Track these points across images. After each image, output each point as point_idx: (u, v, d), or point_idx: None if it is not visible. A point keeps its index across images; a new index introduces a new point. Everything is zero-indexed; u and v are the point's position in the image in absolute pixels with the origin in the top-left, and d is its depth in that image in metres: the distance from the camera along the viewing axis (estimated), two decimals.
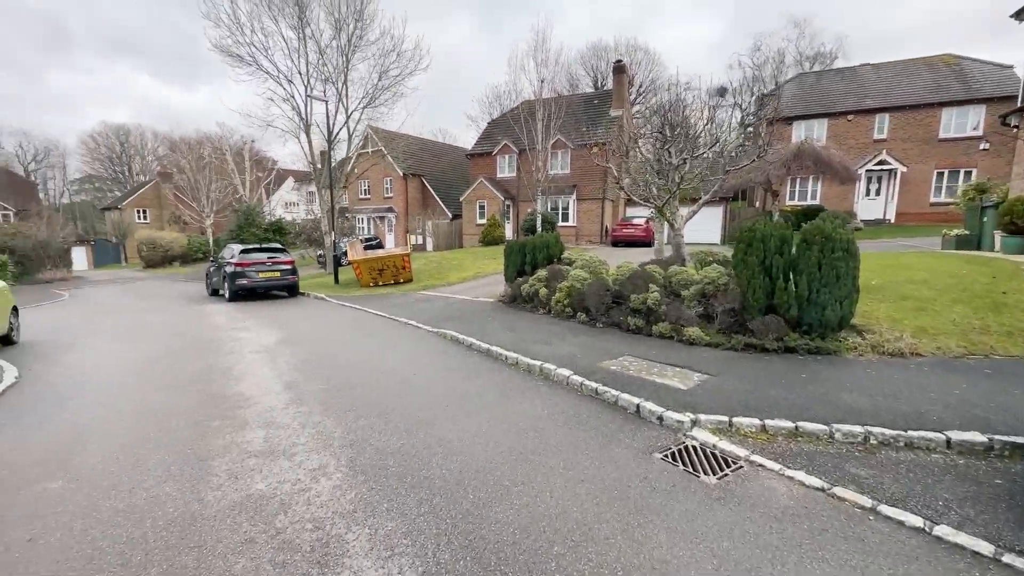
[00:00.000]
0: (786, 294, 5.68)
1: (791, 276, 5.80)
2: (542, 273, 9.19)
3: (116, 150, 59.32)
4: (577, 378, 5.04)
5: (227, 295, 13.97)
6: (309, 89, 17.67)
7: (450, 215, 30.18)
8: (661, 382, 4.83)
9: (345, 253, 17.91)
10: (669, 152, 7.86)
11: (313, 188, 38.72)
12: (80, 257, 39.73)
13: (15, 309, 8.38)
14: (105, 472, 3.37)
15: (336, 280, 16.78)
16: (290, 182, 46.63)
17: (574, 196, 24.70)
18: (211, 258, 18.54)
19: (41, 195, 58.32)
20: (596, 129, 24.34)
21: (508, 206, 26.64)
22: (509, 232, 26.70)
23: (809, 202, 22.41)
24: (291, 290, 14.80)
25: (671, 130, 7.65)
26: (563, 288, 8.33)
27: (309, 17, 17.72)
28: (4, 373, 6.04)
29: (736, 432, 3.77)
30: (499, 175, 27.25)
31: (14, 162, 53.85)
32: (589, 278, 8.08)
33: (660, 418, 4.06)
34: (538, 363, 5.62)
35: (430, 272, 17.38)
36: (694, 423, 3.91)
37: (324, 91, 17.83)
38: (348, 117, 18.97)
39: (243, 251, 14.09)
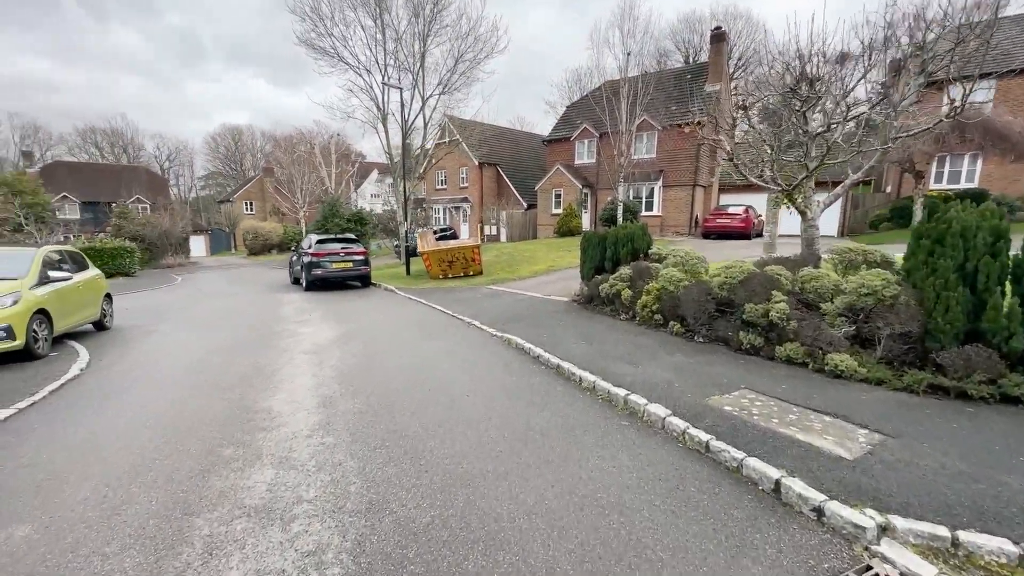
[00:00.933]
0: (1003, 316, 3.83)
1: (1011, 289, 3.92)
2: (625, 271, 7.78)
3: (231, 148, 66.21)
4: (677, 422, 3.70)
5: (304, 284, 14.21)
6: (386, 77, 17.51)
7: (525, 205, 29.20)
8: (806, 441, 3.34)
9: (416, 245, 17.73)
10: (804, 117, 5.99)
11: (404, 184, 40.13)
12: (199, 245, 44.88)
13: (108, 296, 8.75)
14: (77, 520, 2.75)
15: (407, 271, 16.56)
16: (375, 175, 48.60)
17: (659, 182, 22.43)
18: (293, 248, 19.30)
19: (173, 190, 67.13)
20: (688, 107, 21.77)
21: (586, 194, 25.01)
22: (586, 222, 25.10)
23: (964, 185, 18.12)
24: (363, 281, 14.73)
25: (810, 86, 5.76)
26: (651, 290, 6.89)
27: (388, 3, 17.48)
28: (73, 365, 6.04)
29: (970, 562, 2.25)
30: (577, 162, 25.65)
31: (152, 161, 62.26)
32: (685, 279, 6.56)
33: (818, 511, 2.63)
34: (622, 393, 4.35)
35: (501, 264, 16.52)
36: (883, 530, 2.44)
37: (399, 79, 17.55)
38: (424, 104, 18.62)
39: (319, 241, 14.20)
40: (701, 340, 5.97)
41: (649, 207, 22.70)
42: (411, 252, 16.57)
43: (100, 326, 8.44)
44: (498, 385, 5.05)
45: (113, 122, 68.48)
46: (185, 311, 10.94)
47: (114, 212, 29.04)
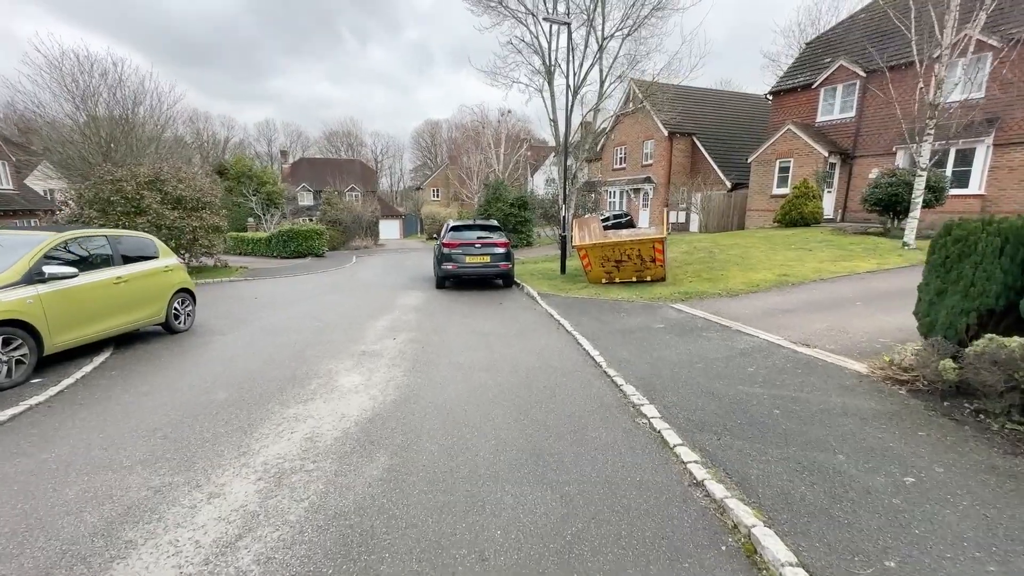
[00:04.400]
0: None
1: None
2: None
3: (428, 142, 72.75)
4: None
5: (434, 281, 11.68)
6: (551, 11, 13.64)
7: (729, 184, 22.28)
8: None
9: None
10: None
11: (571, 161, 36.47)
12: (394, 229, 49.68)
13: (188, 293, 7.18)
14: None
15: (563, 269, 12.72)
16: (551, 159, 46.11)
17: (989, 139, 13.40)
18: (435, 236, 17.32)
19: (385, 181, 77.57)
20: None
21: (832, 165, 17.09)
22: (829, 206, 17.25)
23: None
24: (505, 280, 11.48)
25: None
26: None
27: None
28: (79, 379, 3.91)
29: None
30: (821, 118, 17.75)
31: (369, 155, 72.56)
32: None
33: None
34: None
35: (695, 267, 11.28)
36: None
37: (568, 10, 13.48)
38: (601, 48, 14.21)
39: (453, 228, 11.42)
40: None
41: (962, 181, 13.87)
42: (564, 242, 12.71)
43: (169, 328, 6.82)
44: None
45: (346, 125, 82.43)
46: (294, 305, 9.25)
47: (323, 199, 32.78)
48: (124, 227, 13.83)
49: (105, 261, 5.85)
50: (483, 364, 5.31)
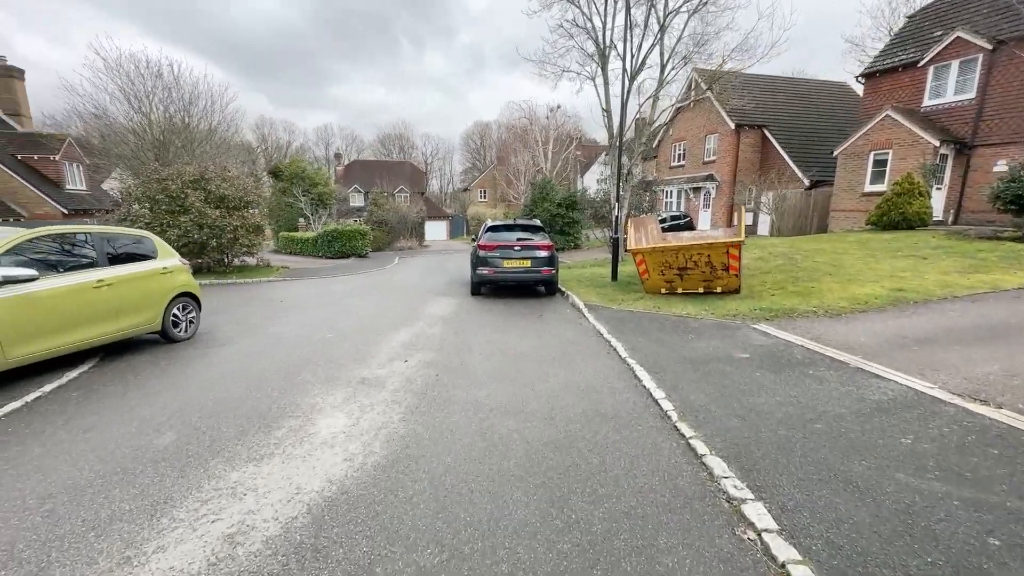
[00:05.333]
0: None
1: None
2: None
3: (478, 142, 72.65)
4: None
5: (470, 287, 10.55)
6: None
7: (806, 181, 19.68)
8: None
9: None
10: None
11: (625, 158, 34.23)
12: (441, 230, 49.53)
13: (191, 298, 6.46)
14: None
15: (614, 275, 11.20)
16: (602, 158, 44.15)
17: None
18: (472, 238, 16.24)
19: (435, 182, 78.33)
20: None
21: (944, 157, 14.34)
22: (939, 206, 14.51)
23: None
24: (547, 287, 10.18)
25: None
26: None
27: None
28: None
29: None
30: (928, 102, 15.00)
31: (419, 157, 73.47)
32: None
33: None
34: None
35: (775, 277, 9.44)
36: None
37: None
38: (663, 27, 12.55)
39: (490, 228, 10.24)
40: None
41: None
42: (616, 245, 11.19)
43: (167, 336, 6.10)
44: None
45: (398, 128, 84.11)
46: (309, 313, 8.42)
47: (370, 199, 32.89)
48: (168, 225, 13.87)
49: (85, 262, 5.14)
50: (510, 404, 4.04)
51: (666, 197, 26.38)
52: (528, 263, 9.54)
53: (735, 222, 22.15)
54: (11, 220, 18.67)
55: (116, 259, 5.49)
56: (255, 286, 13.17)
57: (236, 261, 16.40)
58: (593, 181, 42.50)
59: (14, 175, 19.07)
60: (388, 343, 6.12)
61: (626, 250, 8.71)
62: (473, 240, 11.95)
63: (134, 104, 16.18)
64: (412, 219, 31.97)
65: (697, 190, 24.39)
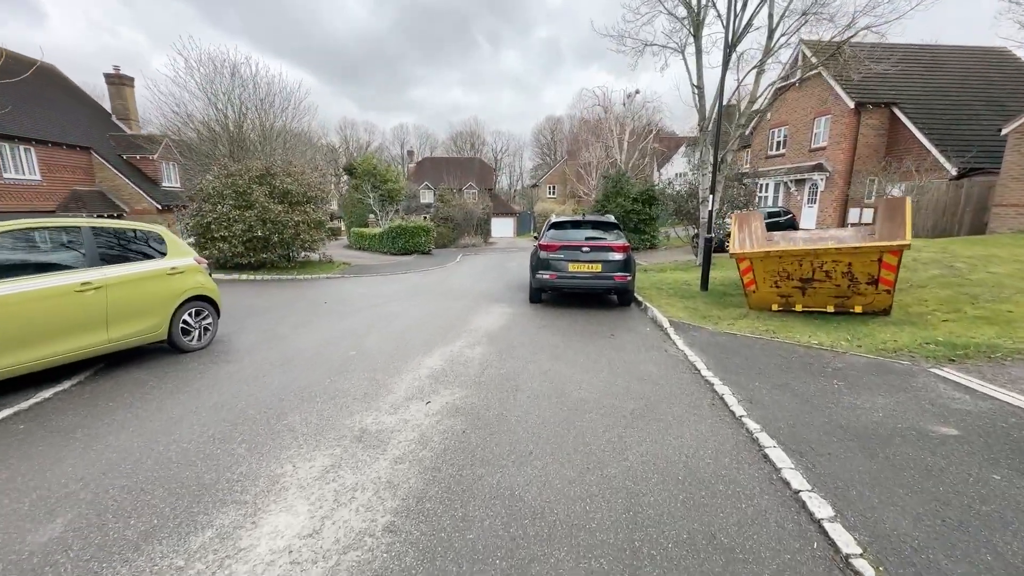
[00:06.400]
0: None
1: None
2: None
3: (549, 137, 70.97)
4: None
5: (528, 293, 9.10)
6: None
7: (953, 170, 15.83)
8: None
9: (727, 236, 9.88)
10: None
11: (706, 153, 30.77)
12: (507, 227, 48.54)
13: (203, 302, 5.67)
14: None
15: (704, 284, 9.17)
16: (681, 151, 40.55)
17: None
18: (534, 236, 14.71)
19: (505, 178, 77.92)
20: None
21: None
22: None
23: None
24: (621, 296, 8.46)
25: None
26: None
27: None
28: None
29: None
30: None
31: (489, 153, 73.27)
32: None
33: None
34: None
35: (936, 292, 6.97)
36: None
37: None
38: None
39: (553, 225, 8.71)
40: None
41: None
42: (717, 248, 9.16)
43: (174, 345, 5.33)
44: None
45: (470, 125, 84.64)
46: (343, 321, 7.46)
47: (436, 195, 32.62)
48: (235, 220, 13.95)
49: (70, 261, 4.38)
50: (563, 506, 2.52)
51: (760, 191, 23.05)
52: (599, 267, 7.89)
53: (852, 220, 18.54)
54: (115, 215, 20.34)
55: (112, 258, 4.72)
56: (310, 284, 12.74)
57: (301, 256, 16.35)
58: (670, 175, 39.18)
59: (119, 173, 20.71)
60: (414, 371, 4.84)
61: (729, 254, 6.75)
62: (536, 238, 10.52)
63: (211, 100, 16.65)
64: (478, 215, 31.19)
65: (800, 182, 20.94)
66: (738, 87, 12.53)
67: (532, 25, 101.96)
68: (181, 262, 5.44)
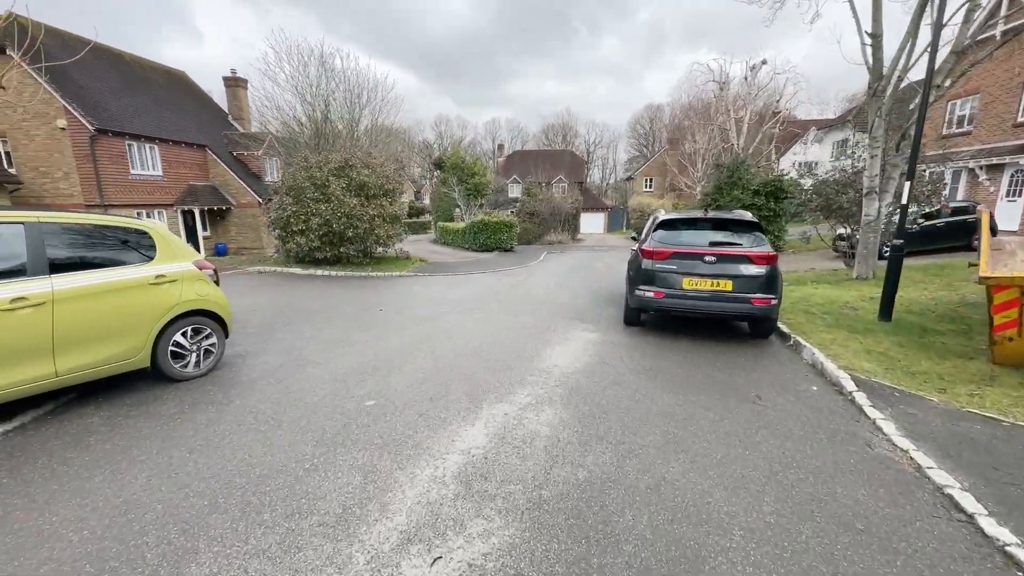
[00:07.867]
0: None
1: None
2: None
3: (647, 127, 66.05)
4: None
5: (624, 312, 6.93)
6: None
7: None
8: None
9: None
10: None
11: (846, 135, 24.67)
12: (597, 222, 45.67)
13: (204, 317, 4.48)
14: None
15: (885, 311, 6.25)
16: (811, 134, 34.32)
17: None
18: (633, 236, 12.25)
19: (597, 171, 74.49)
20: None
21: None
22: None
23: None
24: (756, 325, 5.98)
25: None
26: None
27: None
28: None
29: None
30: None
31: (581, 145, 70.28)
32: None
33: None
34: None
35: None
36: None
37: None
38: None
39: (663, 224, 6.43)
40: None
41: None
42: (899, 258, 6.20)
43: (162, 372, 4.19)
44: None
45: (562, 117, 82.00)
46: (388, 339, 6.00)
47: (523, 189, 31.09)
48: (312, 214, 13.55)
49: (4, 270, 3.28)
50: None
51: (939, 178, 17.94)
52: (729, 285, 5.54)
53: None
54: (224, 208, 21.69)
55: (68, 264, 3.59)
56: (378, 283, 11.77)
57: (377, 252, 15.73)
58: (794, 164, 33.41)
59: (228, 169, 22.08)
60: (440, 457, 3.07)
61: (979, 278, 4.02)
62: (634, 238, 8.26)
63: (299, 93, 16.63)
64: (566, 210, 29.05)
65: (998, 167, 15.77)
66: (943, 27, 8.94)
67: (634, 6, 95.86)
68: (172, 268, 4.25)
